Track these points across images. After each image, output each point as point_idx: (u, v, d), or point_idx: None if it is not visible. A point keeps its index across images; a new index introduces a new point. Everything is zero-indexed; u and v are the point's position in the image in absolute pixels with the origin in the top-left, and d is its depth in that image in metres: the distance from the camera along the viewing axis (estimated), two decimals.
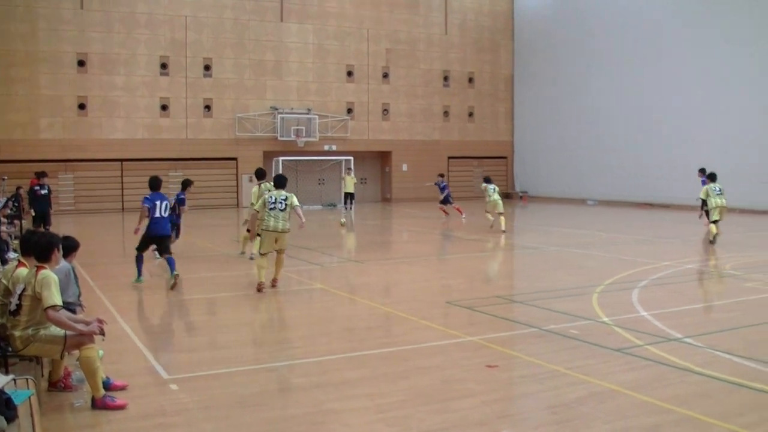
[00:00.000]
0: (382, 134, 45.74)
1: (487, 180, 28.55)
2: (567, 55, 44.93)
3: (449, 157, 47.65)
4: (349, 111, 44.65)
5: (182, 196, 18.92)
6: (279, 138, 42.06)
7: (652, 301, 12.83)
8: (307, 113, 42.90)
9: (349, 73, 44.65)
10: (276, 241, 14.69)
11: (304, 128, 42.35)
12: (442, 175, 34.91)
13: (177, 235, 19.18)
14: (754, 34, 33.56)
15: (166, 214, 15.37)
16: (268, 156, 41.82)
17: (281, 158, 40.00)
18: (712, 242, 21.64)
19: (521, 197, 47.98)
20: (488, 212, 27.43)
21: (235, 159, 41.83)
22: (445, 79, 47.73)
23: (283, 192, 14.79)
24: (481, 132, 49.17)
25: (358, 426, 6.97)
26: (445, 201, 32.62)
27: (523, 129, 49.54)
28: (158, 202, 15.19)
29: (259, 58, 42.12)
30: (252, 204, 18.22)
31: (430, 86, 47.09)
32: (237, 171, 41.86)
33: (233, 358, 9.47)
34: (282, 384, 8.34)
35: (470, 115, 48.73)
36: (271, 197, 14.69)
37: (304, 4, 43.09)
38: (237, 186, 41.88)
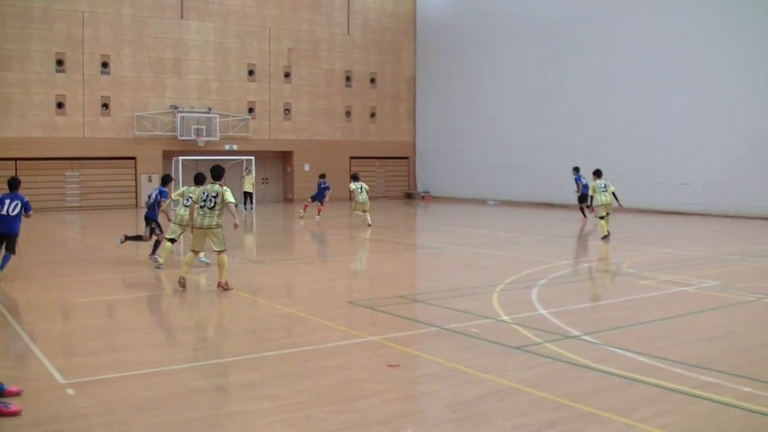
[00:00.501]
0: (284, 134, 45.54)
1: (355, 177, 29.00)
2: (468, 56, 45.47)
3: (351, 157, 47.74)
4: (251, 110, 44.33)
5: (164, 189, 18.57)
6: (179, 137, 41.51)
7: (550, 299, 13.05)
8: (208, 112, 42.44)
9: (251, 72, 44.33)
10: (206, 237, 14.54)
11: (204, 127, 41.89)
12: (323, 176, 34.12)
13: (160, 230, 18.69)
14: (654, 35, 34.43)
15: (14, 213, 15.60)
16: (168, 156, 41.23)
17: (181, 158, 39.44)
18: (604, 238, 22.54)
19: (423, 197, 48.34)
20: (356, 211, 28.51)
21: (133, 158, 41.09)
22: (347, 79, 47.79)
23: (216, 186, 14.50)
24: (383, 132, 49.40)
25: (259, 428, 6.91)
26: (315, 198, 32.34)
27: (425, 129, 49.93)
28: (7, 201, 15.58)
29: (159, 56, 41.48)
30: (172, 199, 18.09)
31: (332, 86, 47.10)
32: (136, 171, 41.12)
33: (132, 362, 9.28)
34: (182, 387, 8.20)
35: (372, 115, 48.91)
36: (203, 193, 14.49)
37: (204, 2, 42.65)
38: (136, 186, 41.13)
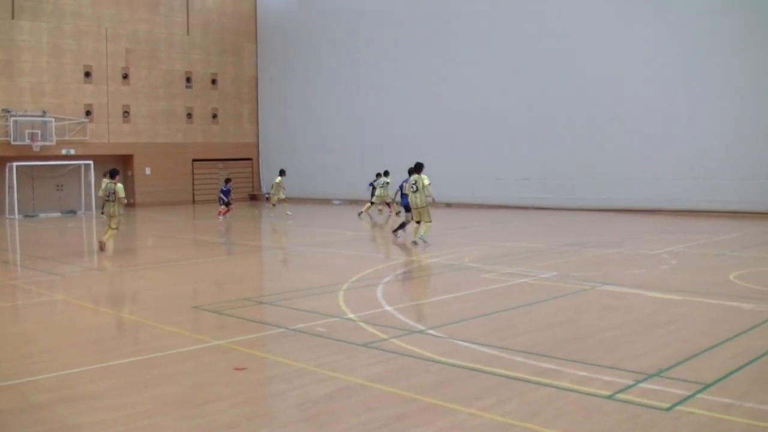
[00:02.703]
0: (123, 137, 44.52)
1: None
2: (308, 56, 45.64)
3: (194, 160, 47.13)
4: (88, 113, 43.11)
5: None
6: (12, 142, 39.87)
7: (395, 295, 13.26)
8: (43, 116, 41.00)
9: (87, 74, 43.10)
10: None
11: (39, 132, 40.44)
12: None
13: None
14: (477, 33, 35.34)
15: None
16: (1, 162, 39.62)
17: (15, 164, 37.99)
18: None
19: (267, 198, 48.05)
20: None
21: None
22: (188, 80, 47.15)
23: (111, 183, 21.16)
24: (225, 134, 49.00)
25: None
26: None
27: (269, 130, 49.77)
28: None
29: None
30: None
31: (172, 87, 46.35)
32: None
33: None
34: (22, 402, 7.91)
35: (214, 116, 48.42)
36: (104, 189, 21.23)
37: (38, 1, 41.14)
38: None
